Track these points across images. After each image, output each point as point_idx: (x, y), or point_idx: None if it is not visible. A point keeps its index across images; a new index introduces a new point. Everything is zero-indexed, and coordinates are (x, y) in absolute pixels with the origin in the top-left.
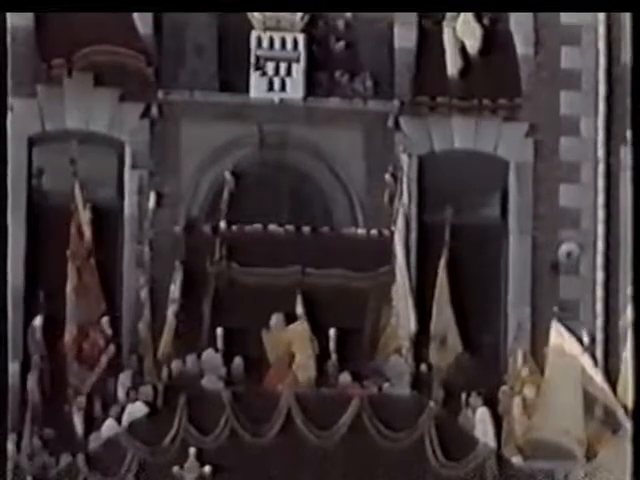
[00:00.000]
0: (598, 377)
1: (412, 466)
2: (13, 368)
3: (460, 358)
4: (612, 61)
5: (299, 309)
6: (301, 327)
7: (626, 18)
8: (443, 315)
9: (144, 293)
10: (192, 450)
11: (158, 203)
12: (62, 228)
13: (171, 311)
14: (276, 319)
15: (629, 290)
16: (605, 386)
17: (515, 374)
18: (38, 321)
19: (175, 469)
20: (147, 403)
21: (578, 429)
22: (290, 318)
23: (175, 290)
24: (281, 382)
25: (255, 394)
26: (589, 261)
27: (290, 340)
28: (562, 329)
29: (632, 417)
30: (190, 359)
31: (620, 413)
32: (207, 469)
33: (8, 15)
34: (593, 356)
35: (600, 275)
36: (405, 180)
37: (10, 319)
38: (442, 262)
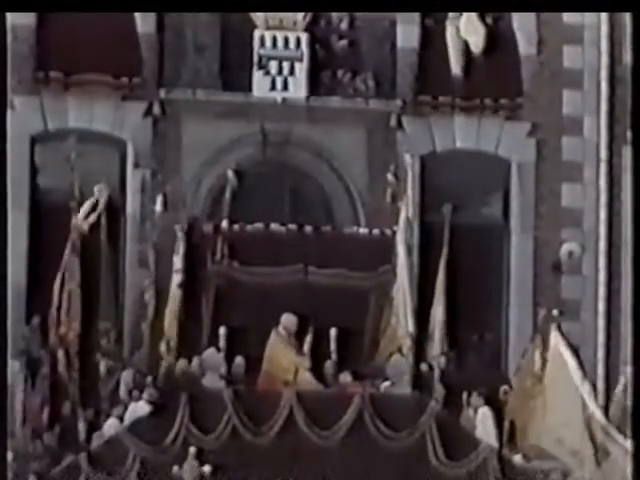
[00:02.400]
0: (592, 402)
1: (413, 465)
2: (13, 366)
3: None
4: (614, 60)
5: (306, 347)
6: (303, 362)
7: (627, 18)
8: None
9: (147, 292)
10: (192, 449)
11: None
12: (64, 226)
13: (175, 282)
14: (285, 319)
15: (629, 291)
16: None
17: (530, 373)
18: (37, 320)
19: (176, 468)
20: (149, 402)
21: (573, 441)
22: (299, 317)
23: (178, 261)
24: (272, 386)
25: (256, 393)
26: (591, 261)
27: (289, 368)
28: (561, 338)
29: (632, 422)
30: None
31: (614, 431)
32: (207, 468)
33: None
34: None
35: (602, 275)
36: (407, 180)
37: (10, 317)
38: (442, 261)
